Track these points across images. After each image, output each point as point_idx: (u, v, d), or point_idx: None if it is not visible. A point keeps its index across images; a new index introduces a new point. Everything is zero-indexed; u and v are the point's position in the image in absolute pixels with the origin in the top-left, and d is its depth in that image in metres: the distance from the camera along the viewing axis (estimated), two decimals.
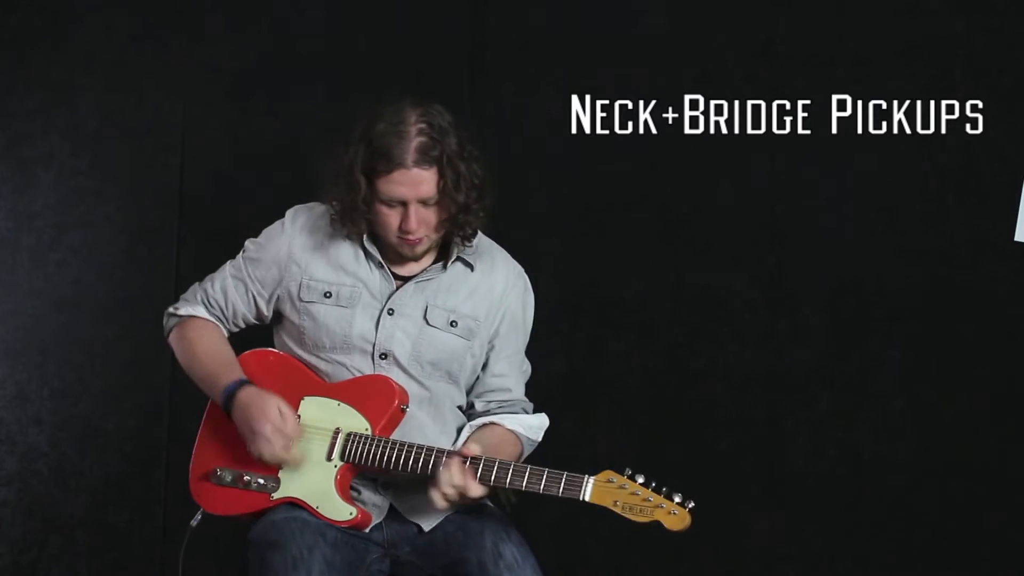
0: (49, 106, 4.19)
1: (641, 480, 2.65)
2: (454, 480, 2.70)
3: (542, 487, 2.69)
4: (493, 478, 2.71)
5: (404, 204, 2.79)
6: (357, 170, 2.79)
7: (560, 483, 2.68)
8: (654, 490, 2.64)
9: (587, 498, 2.66)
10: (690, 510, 2.63)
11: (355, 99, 3.97)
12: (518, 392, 2.98)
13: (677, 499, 2.63)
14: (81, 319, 4.19)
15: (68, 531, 4.16)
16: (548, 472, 2.69)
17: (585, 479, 2.67)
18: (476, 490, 2.71)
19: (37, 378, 4.18)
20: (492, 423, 2.90)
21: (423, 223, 2.80)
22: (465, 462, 2.72)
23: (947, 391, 3.86)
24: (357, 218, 2.83)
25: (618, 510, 2.65)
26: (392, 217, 2.80)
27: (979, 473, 3.83)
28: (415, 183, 2.77)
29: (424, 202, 2.79)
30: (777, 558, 3.93)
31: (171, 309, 3.01)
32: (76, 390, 4.18)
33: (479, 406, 2.95)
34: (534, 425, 2.94)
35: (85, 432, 4.17)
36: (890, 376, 3.89)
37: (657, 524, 2.64)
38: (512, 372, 2.97)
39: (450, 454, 2.74)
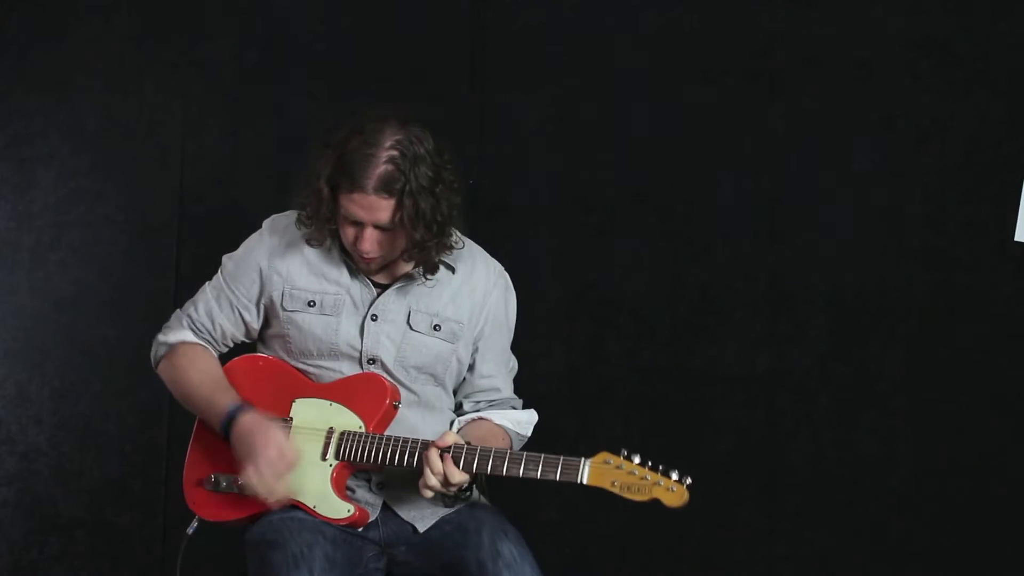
0: (49, 106, 4.19)
1: (637, 460, 2.65)
2: (434, 468, 2.71)
3: (539, 473, 2.69)
4: (476, 465, 2.71)
5: (360, 224, 2.78)
6: (323, 180, 2.78)
7: (557, 467, 2.68)
8: (651, 468, 2.65)
9: (585, 480, 2.66)
10: (688, 486, 2.64)
11: (355, 99, 3.98)
12: (507, 391, 2.99)
13: (674, 476, 2.64)
14: (81, 319, 4.19)
15: (68, 531, 4.16)
16: (544, 457, 2.70)
17: (582, 462, 2.67)
18: (457, 475, 2.71)
19: (37, 378, 4.18)
20: (480, 418, 2.91)
21: (378, 245, 2.79)
22: (446, 451, 2.73)
23: (947, 391, 3.86)
24: (320, 225, 2.82)
25: (616, 490, 2.65)
26: (350, 232, 2.80)
27: (979, 473, 3.83)
28: (372, 208, 2.75)
29: (380, 227, 2.78)
30: (777, 558, 3.93)
31: (159, 337, 2.98)
32: (76, 390, 4.18)
33: (468, 406, 2.96)
34: (523, 420, 2.95)
35: (85, 432, 4.17)
36: (890, 376, 3.89)
37: (656, 502, 2.64)
38: (499, 372, 2.98)
39: (425, 444, 2.75)
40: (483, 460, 2.72)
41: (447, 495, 2.79)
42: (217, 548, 2.94)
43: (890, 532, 3.87)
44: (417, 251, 2.81)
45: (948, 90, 3.88)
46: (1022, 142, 3.84)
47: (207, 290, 2.96)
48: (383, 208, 2.75)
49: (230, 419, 2.82)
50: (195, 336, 2.96)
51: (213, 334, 2.96)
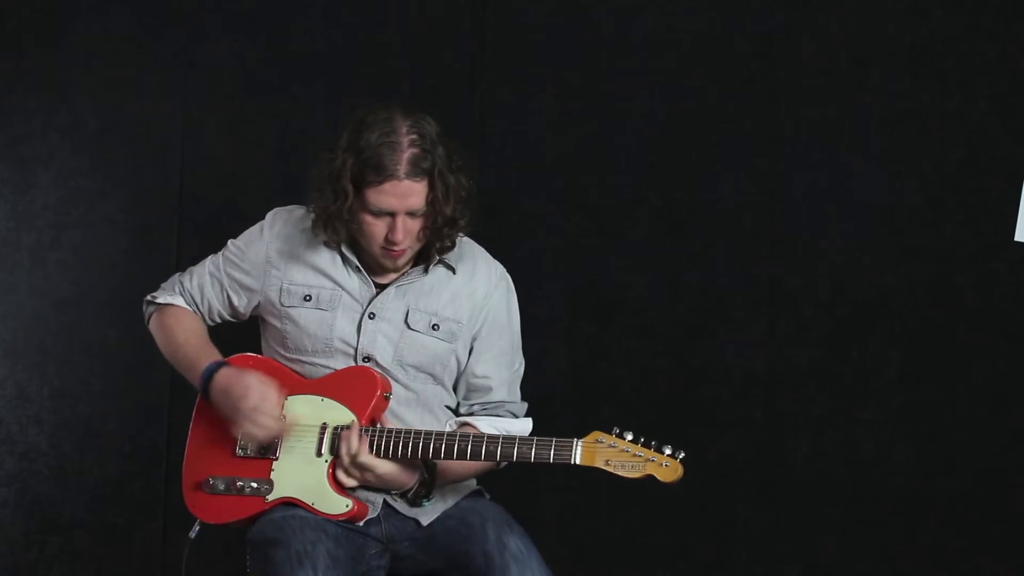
0: (49, 106, 4.19)
1: (630, 437, 2.65)
2: (351, 448, 2.74)
3: (533, 456, 2.70)
4: (485, 452, 2.71)
5: (391, 215, 2.78)
6: (345, 179, 2.78)
7: (550, 449, 2.69)
8: (643, 445, 2.64)
9: (578, 460, 2.67)
10: (681, 460, 2.63)
11: (355, 99, 3.97)
12: (501, 393, 2.98)
13: (668, 451, 2.64)
14: (81, 319, 4.18)
15: (68, 531, 4.16)
16: (537, 440, 2.71)
17: (574, 442, 2.68)
18: (376, 463, 2.74)
19: (37, 378, 4.18)
20: (467, 424, 2.91)
21: (408, 234, 2.80)
22: (367, 430, 2.77)
23: (947, 391, 3.86)
24: (339, 227, 2.83)
25: (610, 469, 2.65)
26: (378, 227, 2.80)
27: (979, 473, 3.83)
28: (405, 195, 2.77)
29: (412, 213, 2.79)
30: (777, 558, 3.93)
31: (149, 297, 3.05)
32: (76, 390, 4.18)
33: (463, 408, 2.97)
34: (513, 430, 2.91)
35: (85, 432, 4.17)
36: (890, 376, 3.89)
37: (650, 478, 2.63)
38: (496, 373, 2.97)
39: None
40: (462, 446, 2.72)
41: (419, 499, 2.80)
42: (217, 548, 2.94)
43: (890, 532, 3.87)
44: (447, 228, 2.82)
45: (948, 90, 3.88)
46: (1022, 142, 3.84)
47: (206, 264, 3.02)
48: (416, 192, 2.77)
49: (208, 377, 2.83)
50: (184, 303, 3.02)
51: (200, 307, 3.00)
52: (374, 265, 2.89)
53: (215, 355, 2.90)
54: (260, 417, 2.78)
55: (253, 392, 2.79)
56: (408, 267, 2.91)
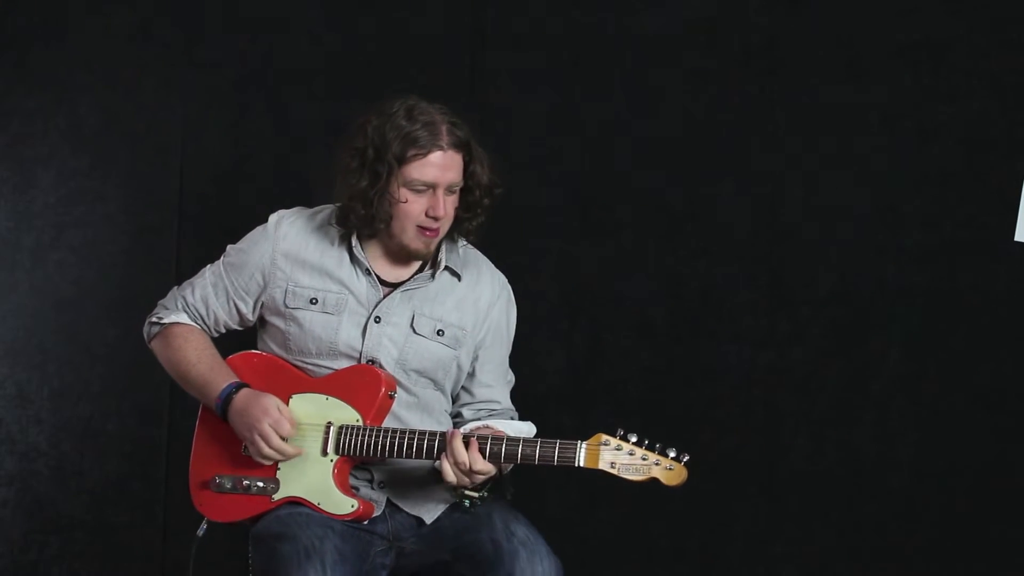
0: (49, 106, 4.19)
1: (634, 439, 2.64)
2: (457, 458, 2.71)
3: (537, 458, 2.69)
4: (489, 453, 2.71)
5: (432, 188, 2.80)
6: (387, 156, 2.79)
7: (554, 451, 2.68)
8: (648, 448, 2.63)
9: (582, 463, 2.66)
10: (685, 463, 2.63)
11: (355, 99, 3.97)
12: (505, 403, 3.00)
13: (672, 454, 2.62)
14: (81, 319, 4.19)
15: (68, 531, 4.16)
16: (541, 442, 2.70)
17: (578, 444, 2.67)
18: (481, 463, 2.71)
19: (37, 378, 4.18)
20: (485, 426, 2.90)
21: (447, 214, 2.83)
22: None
23: (947, 391, 3.86)
24: (378, 205, 2.82)
25: (615, 472, 2.64)
26: (417, 205, 2.81)
27: (979, 473, 3.83)
28: (448, 166, 2.81)
29: (450, 188, 2.81)
30: (777, 558, 3.93)
31: (153, 318, 3.00)
32: (76, 390, 4.18)
33: (468, 414, 2.96)
34: (524, 431, 2.91)
35: (85, 432, 4.17)
36: (890, 376, 3.89)
37: (654, 482, 2.63)
38: (498, 383, 2.99)
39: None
40: (482, 444, 2.72)
41: (465, 495, 2.79)
42: (220, 546, 2.94)
43: (890, 532, 3.87)
44: (487, 198, 2.87)
45: (948, 90, 3.88)
46: (1022, 142, 3.84)
47: (206, 275, 2.97)
48: (456, 164, 2.83)
49: (227, 399, 2.83)
50: (189, 320, 2.97)
51: (206, 320, 2.97)
52: (384, 262, 2.89)
53: (231, 376, 2.90)
54: (270, 438, 2.79)
55: (271, 414, 2.79)
56: (415, 267, 2.91)
